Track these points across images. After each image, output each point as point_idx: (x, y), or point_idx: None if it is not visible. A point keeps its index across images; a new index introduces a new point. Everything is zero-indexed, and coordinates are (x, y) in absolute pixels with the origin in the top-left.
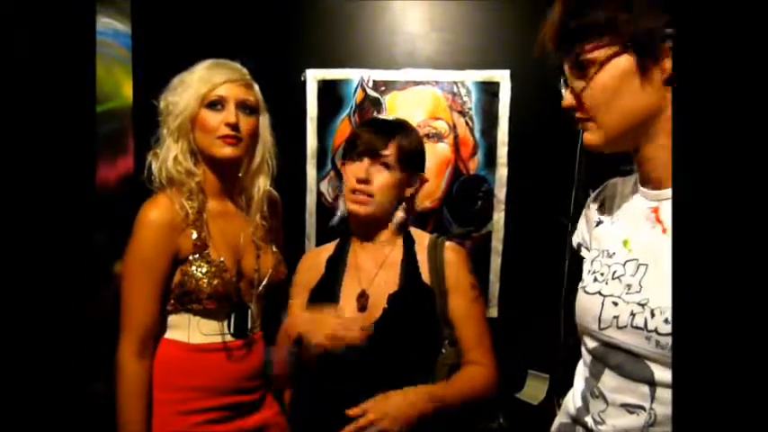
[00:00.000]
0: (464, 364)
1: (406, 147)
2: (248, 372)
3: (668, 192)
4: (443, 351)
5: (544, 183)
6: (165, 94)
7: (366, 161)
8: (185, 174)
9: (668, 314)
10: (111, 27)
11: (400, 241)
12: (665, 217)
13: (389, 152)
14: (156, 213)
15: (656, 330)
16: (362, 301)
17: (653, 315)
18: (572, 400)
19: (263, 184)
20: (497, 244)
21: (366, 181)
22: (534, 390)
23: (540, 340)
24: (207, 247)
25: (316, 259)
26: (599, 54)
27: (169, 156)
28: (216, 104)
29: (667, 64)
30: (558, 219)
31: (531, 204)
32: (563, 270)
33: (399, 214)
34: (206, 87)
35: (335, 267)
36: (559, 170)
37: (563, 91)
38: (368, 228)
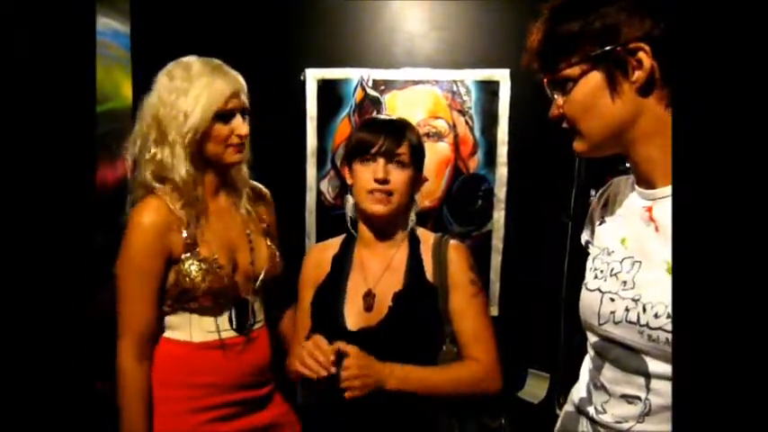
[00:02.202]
0: (462, 360)
1: (416, 144)
2: (253, 367)
3: (661, 191)
4: (444, 348)
5: (544, 182)
6: (161, 92)
7: (381, 161)
8: (181, 179)
9: (658, 309)
10: (110, 27)
11: (406, 241)
12: (657, 216)
13: (404, 150)
14: (147, 216)
15: (647, 325)
16: (369, 300)
17: (644, 310)
18: (577, 392)
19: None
20: (497, 243)
21: (385, 181)
22: (535, 388)
23: (541, 339)
24: (198, 245)
25: (321, 256)
26: (572, 71)
27: (170, 161)
28: (227, 117)
29: (637, 75)
30: (558, 217)
31: (531, 203)
32: (563, 269)
33: (413, 214)
34: (219, 102)
35: (341, 266)
36: (559, 169)
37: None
38: (385, 228)
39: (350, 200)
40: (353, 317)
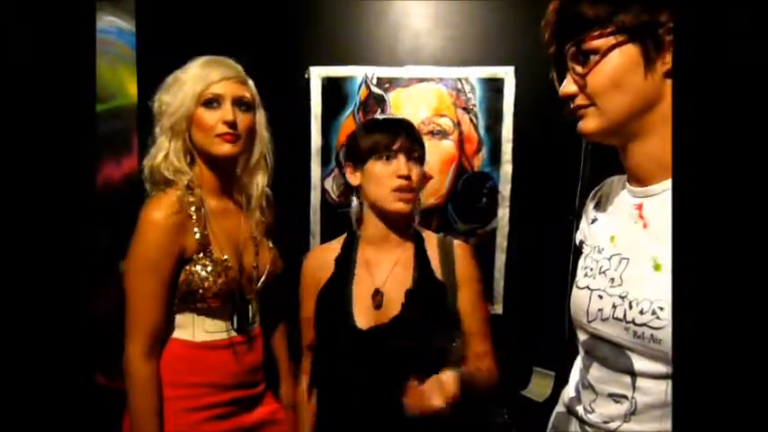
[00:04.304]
0: (470, 356)
1: (422, 141)
2: (250, 366)
3: (652, 189)
4: (454, 344)
5: (549, 179)
6: (159, 93)
7: (402, 158)
8: (173, 173)
9: (644, 305)
10: (115, 25)
11: (411, 240)
12: (647, 213)
13: (418, 147)
14: (160, 213)
15: (633, 321)
16: (378, 298)
17: (631, 306)
18: (567, 393)
19: (261, 180)
20: (502, 241)
21: (409, 177)
22: (540, 387)
23: (545, 337)
24: (210, 245)
25: (322, 258)
26: (603, 42)
27: (159, 155)
28: (212, 102)
29: (670, 56)
30: (563, 215)
31: (536, 201)
32: (568, 267)
33: (419, 207)
34: (201, 86)
35: (345, 266)
36: (564, 167)
37: (555, 83)
38: (401, 225)
39: (355, 201)
40: (363, 316)
